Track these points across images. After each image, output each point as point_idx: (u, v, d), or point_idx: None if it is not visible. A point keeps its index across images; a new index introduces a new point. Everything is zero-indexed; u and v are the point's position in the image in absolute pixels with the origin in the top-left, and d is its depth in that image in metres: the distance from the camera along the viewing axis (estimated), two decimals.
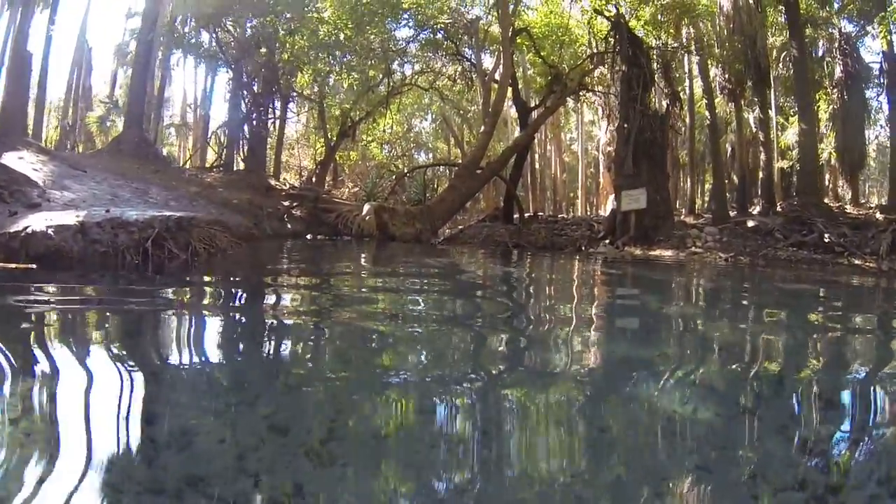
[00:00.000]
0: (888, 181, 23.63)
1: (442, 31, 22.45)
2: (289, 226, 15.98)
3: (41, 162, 11.47)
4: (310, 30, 20.16)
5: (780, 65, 23.88)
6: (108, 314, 4.35)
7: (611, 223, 15.81)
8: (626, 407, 2.74)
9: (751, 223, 16.07)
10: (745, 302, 7.16)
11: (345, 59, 23.27)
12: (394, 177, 25.59)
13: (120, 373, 2.89)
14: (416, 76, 27.28)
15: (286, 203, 17.74)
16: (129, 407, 2.41)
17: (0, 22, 19.43)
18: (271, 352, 3.67)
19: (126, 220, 6.40)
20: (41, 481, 1.69)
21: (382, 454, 2.10)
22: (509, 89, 19.85)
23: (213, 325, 4.28)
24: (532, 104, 22.15)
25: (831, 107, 24.87)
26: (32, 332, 3.59)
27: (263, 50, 21.08)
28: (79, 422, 2.22)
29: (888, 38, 19.52)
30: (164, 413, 2.39)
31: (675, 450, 2.26)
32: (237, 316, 4.84)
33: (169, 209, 9.23)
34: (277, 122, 27.05)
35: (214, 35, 21.22)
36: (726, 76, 21.80)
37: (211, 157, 26.99)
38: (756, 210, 21.89)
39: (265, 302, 5.51)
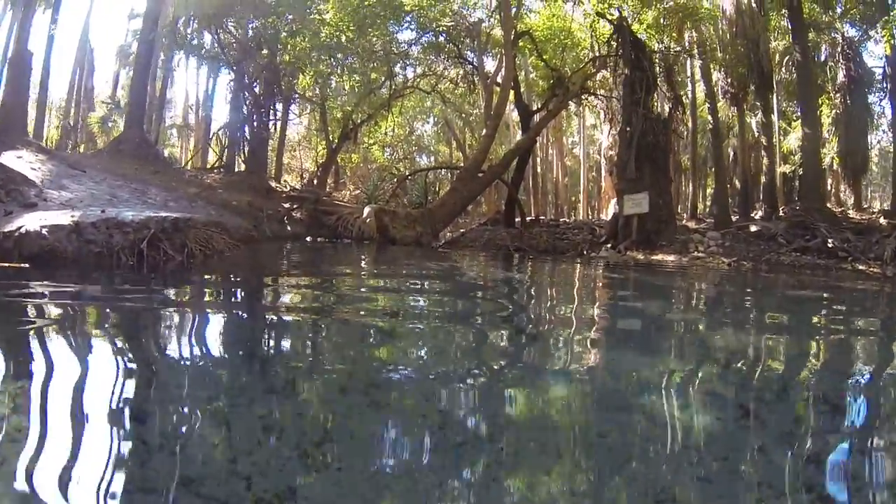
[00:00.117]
0: (891, 186, 23.58)
1: (444, 34, 22.40)
2: (289, 228, 15.92)
3: (40, 161, 11.41)
4: (311, 31, 20.08)
5: (783, 69, 23.82)
6: (99, 313, 4.28)
7: (613, 227, 15.70)
8: (626, 412, 2.67)
9: (754, 228, 15.97)
10: (748, 307, 7.07)
11: (347, 62, 23.21)
12: (395, 180, 25.53)
13: (111, 373, 2.83)
14: (419, 79, 27.24)
15: (286, 205, 17.68)
16: (120, 407, 2.38)
17: (2, 21, 19.47)
18: (266, 351, 3.61)
19: (121, 221, 6.33)
20: (30, 481, 1.68)
21: (378, 456, 2.06)
22: (511, 93, 19.76)
23: (208, 325, 4.23)
24: (534, 108, 22.04)
25: (834, 111, 24.83)
26: (21, 331, 3.52)
27: (265, 51, 21.01)
28: (69, 421, 2.18)
29: (891, 42, 19.34)
30: (156, 413, 2.34)
31: (676, 458, 2.19)
32: (233, 316, 4.78)
33: (168, 210, 9.17)
34: (279, 123, 26.99)
35: (216, 36, 21.16)
36: (729, 80, 21.71)
37: (212, 158, 26.93)
38: (758, 215, 21.78)
39: (261, 303, 5.45)
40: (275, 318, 4.66)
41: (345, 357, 3.54)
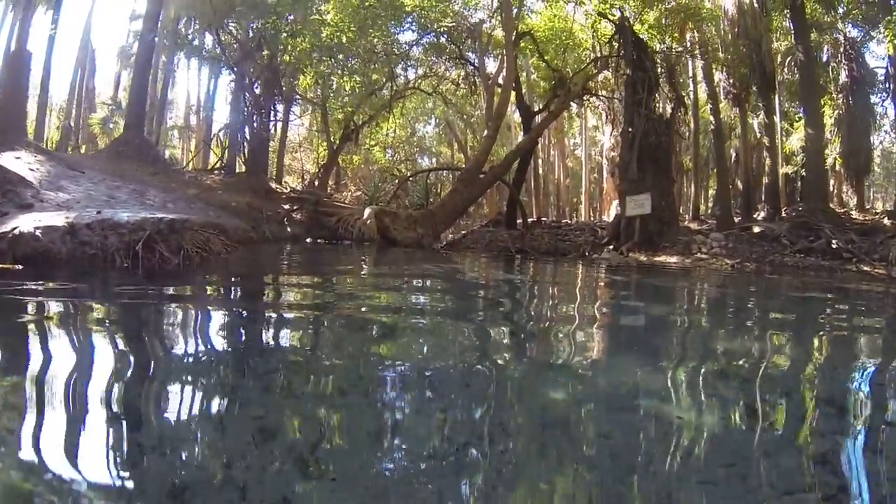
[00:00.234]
0: (894, 187, 23.50)
1: (445, 35, 22.35)
2: (288, 229, 15.86)
3: (38, 162, 11.34)
4: (312, 31, 20.04)
5: (785, 69, 23.74)
6: (89, 313, 4.20)
7: (615, 229, 15.62)
8: (629, 413, 2.61)
9: (757, 229, 15.89)
10: (753, 309, 6.98)
11: (348, 63, 23.16)
12: (396, 181, 25.48)
13: (100, 374, 2.76)
14: (420, 80, 27.20)
15: (286, 206, 17.62)
16: (112, 410, 2.30)
17: (4, 22, 19.44)
18: (262, 349, 3.54)
19: (116, 222, 6.24)
20: (17, 486, 1.63)
21: (376, 463, 1.97)
22: (513, 93, 19.71)
23: (201, 325, 4.13)
24: (535, 109, 21.98)
25: (836, 112, 24.76)
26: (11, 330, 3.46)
27: (266, 52, 20.96)
28: (59, 424, 2.12)
29: (894, 42, 19.33)
30: (149, 416, 2.27)
31: (678, 461, 2.12)
32: (227, 314, 4.71)
33: (166, 211, 9.09)
34: (280, 124, 26.95)
35: (216, 37, 21.12)
36: (731, 81, 21.66)
37: (213, 159, 26.89)
38: (760, 216, 21.71)
39: (259, 302, 5.38)
40: (269, 317, 4.62)
41: (343, 356, 3.47)
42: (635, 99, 15.55)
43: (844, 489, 1.94)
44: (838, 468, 2.12)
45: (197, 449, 2.04)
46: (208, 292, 5.84)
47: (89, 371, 2.82)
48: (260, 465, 1.86)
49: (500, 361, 3.60)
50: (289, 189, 23.24)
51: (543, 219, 26.11)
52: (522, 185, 23.27)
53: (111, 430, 2.11)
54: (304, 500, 1.71)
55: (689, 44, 21.43)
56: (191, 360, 3.25)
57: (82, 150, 27.53)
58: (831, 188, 27.48)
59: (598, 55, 19.99)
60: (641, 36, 17.80)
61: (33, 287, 4.98)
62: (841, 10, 22.89)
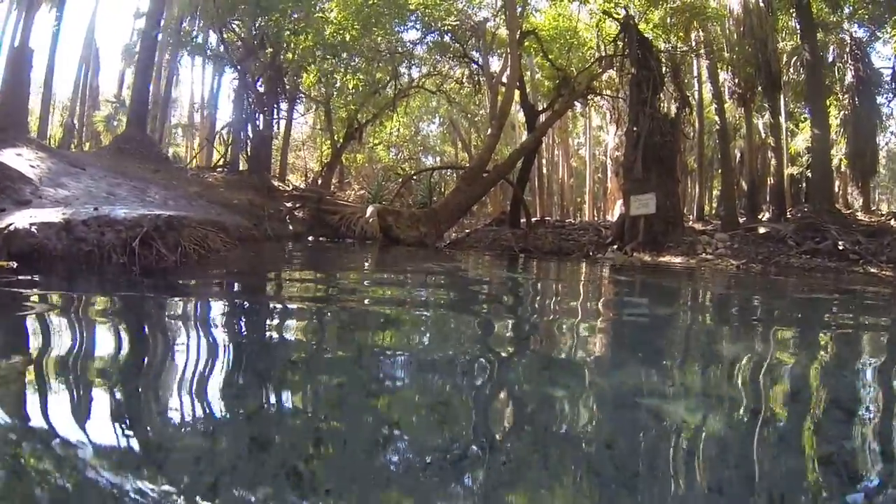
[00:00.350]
0: None
1: (449, 34, 22.25)
2: (290, 227, 15.77)
3: (39, 159, 11.30)
4: (315, 29, 19.95)
5: (791, 69, 23.60)
6: (77, 311, 4.12)
7: (619, 228, 15.53)
8: (633, 419, 2.54)
9: (762, 230, 15.75)
10: (760, 310, 6.88)
11: (352, 61, 23.09)
12: (400, 180, 25.42)
13: (86, 376, 2.66)
14: (424, 79, 27.10)
15: (289, 204, 17.54)
16: (97, 417, 2.22)
17: (2, 16, 19.40)
18: (257, 349, 3.44)
19: (113, 219, 6.17)
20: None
21: (373, 473, 1.88)
22: (517, 92, 19.61)
23: (196, 324, 4.05)
24: (540, 108, 21.88)
25: (842, 112, 24.61)
26: None
27: (269, 50, 20.89)
28: (38, 432, 2.03)
29: None
30: (138, 422, 2.18)
31: (681, 464, 2.09)
32: (226, 309, 4.63)
33: (167, 209, 9.03)
34: (283, 122, 26.89)
35: (220, 35, 21.05)
36: (736, 80, 21.53)
37: (217, 157, 26.85)
38: (765, 217, 21.58)
39: (258, 295, 5.30)
40: (273, 308, 4.53)
41: (341, 353, 3.39)
42: (640, 98, 15.45)
43: (850, 492, 1.91)
44: (842, 469, 2.07)
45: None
46: (204, 287, 5.77)
47: (65, 377, 2.73)
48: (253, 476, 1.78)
49: (506, 380, 3.52)
50: (291, 187, 23.18)
51: (547, 218, 26.05)
52: (526, 185, 23.16)
53: (91, 438, 2.01)
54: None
55: (694, 43, 21.29)
56: (177, 351, 3.21)
57: (86, 148, 27.54)
58: (836, 189, 27.34)
59: (603, 54, 19.87)
60: (646, 35, 17.69)
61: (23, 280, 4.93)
62: (847, 10, 22.75)
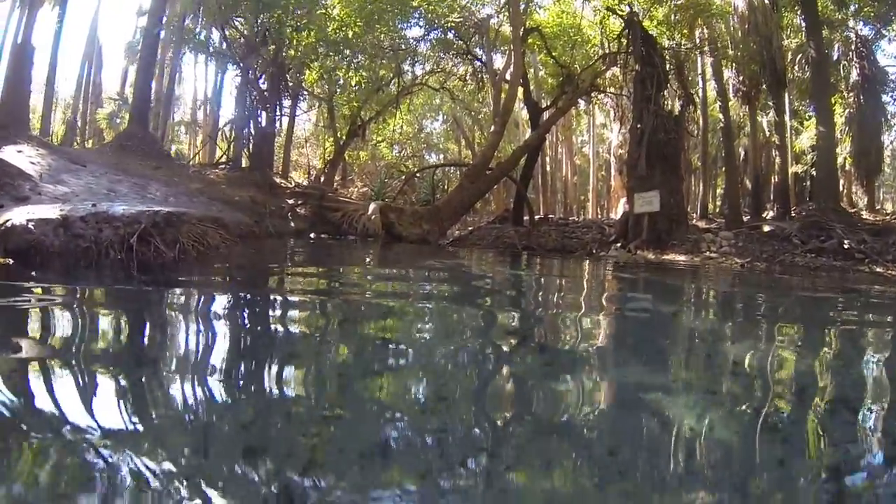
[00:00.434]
0: None
1: (452, 31, 22.16)
2: (292, 224, 15.71)
3: (40, 156, 11.28)
4: (318, 26, 19.90)
5: (796, 67, 23.46)
6: (64, 310, 4.07)
7: (623, 226, 15.45)
8: (635, 414, 2.51)
9: (767, 228, 15.66)
10: (765, 310, 6.80)
11: (355, 59, 23.04)
12: (403, 177, 25.38)
13: (69, 379, 2.58)
14: (427, 76, 27.02)
15: (290, 201, 17.48)
16: (80, 424, 2.08)
17: (5, 14, 19.38)
18: (256, 348, 3.39)
19: (111, 215, 6.11)
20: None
21: (372, 482, 1.80)
22: (520, 90, 19.55)
23: (191, 323, 3.99)
24: (543, 105, 21.80)
25: (847, 111, 24.49)
26: None
27: (272, 47, 20.85)
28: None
29: None
30: (125, 429, 2.07)
31: (682, 468, 2.03)
32: (224, 312, 4.57)
33: (167, 205, 8.99)
34: (285, 119, 26.84)
35: (222, 32, 21.01)
36: (740, 78, 21.43)
37: (219, 154, 26.82)
38: (769, 215, 21.48)
39: (257, 290, 5.26)
40: (274, 300, 4.48)
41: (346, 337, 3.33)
42: (644, 95, 15.36)
43: (854, 489, 1.89)
44: (847, 471, 2.04)
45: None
46: (202, 284, 5.72)
47: (46, 378, 2.67)
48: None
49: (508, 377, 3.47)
50: (294, 184, 23.13)
51: (550, 216, 25.95)
52: (529, 182, 23.13)
53: (71, 448, 1.93)
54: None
55: (698, 40, 21.18)
56: (167, 346, 3.14)
57: (88, 145, 27.54)
58: (841, 188, 27.21)
59: (607, 51, 19.79)
60: (650, 32, 17.59)
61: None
62: (853, 8, 22.63)
